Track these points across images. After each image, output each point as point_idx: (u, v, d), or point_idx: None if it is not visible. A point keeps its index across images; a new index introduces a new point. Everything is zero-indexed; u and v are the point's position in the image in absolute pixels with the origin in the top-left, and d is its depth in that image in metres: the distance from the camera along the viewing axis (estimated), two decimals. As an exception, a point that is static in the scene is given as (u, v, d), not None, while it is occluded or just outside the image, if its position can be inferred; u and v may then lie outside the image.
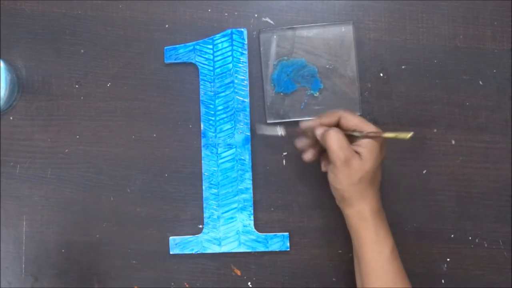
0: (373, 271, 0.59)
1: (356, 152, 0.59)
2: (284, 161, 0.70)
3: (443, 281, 0.69)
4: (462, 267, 0.69)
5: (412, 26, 0.70)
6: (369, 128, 0.60)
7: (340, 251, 0.69)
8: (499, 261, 0.69)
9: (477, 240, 0.69)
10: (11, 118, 0.71)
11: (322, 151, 0.64)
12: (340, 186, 0.59)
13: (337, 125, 0.62)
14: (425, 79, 0.70)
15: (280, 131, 0.66)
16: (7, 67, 0.69)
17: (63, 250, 0.70)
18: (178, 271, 0.70)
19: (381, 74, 0.70)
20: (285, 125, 0.66)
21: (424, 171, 0.69)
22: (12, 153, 0.71)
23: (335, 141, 0.59)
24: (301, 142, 0.65)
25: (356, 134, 0.60)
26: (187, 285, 0.70)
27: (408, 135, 0.59)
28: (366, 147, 0.59)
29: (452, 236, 0.69)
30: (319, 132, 0.61)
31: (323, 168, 0.65)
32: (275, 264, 0.69)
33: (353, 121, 0.61)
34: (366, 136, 0.59)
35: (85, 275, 0.70)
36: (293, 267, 0.69)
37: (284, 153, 0.70)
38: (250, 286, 0.69)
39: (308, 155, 0.64)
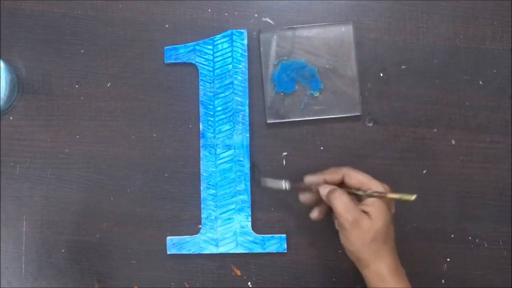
0: None
1: (365, 212, 0.58)
2: (284, 161, 0.70)
3: (443, 281, 0.69)
4: (462, 267, 0.69)
5: (412, 26, 0.70)
6: (374, 185, 0.59)
7: (340, 251, 0.69)
8: (499, 261, 0.69)
9: (477, 240, 0.69)
10: (11, 118, 0.71)
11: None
12: (353, 248, 0.59)
13: (342, 182, 0.62)
14: (425, 79, 0.70)
15: (285, 185, 0.65)
16: (7, 67, 0.69)
17: (63, 250, 0.70)
18: (178, 271, 0.70)
19: (381, 74, 0.70)
20: (290, 180, 0.65)
21: (424, 171, 0.69)
22: (12, 153, 0.71)
23: (340, 203, 0.59)
24: (305, 197, 0.65)
25: (360, 193, 0.60)
26: (187, 285, 0.70)
27: (412, 197, 0.59)
28: (373, 205, 0.58)
29: (452, 236, 0.69)
30: (323, 192, 0.61)
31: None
32: (275, 264, 0.69)
33: (357, 178, 0.60)
34: (371, 196, 0.59)
35: (85, 275, 0.70)
36: (293, 267, 0.69)
37: (284, 153, 0.70)
38: (250, 286, 0.69)
39: (315, 214, 0.65)
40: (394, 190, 0.69)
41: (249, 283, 0.69)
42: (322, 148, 0.70)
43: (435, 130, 0.70)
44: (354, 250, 0.59)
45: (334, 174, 0.62)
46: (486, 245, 0.69)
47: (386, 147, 0.69)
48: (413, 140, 0.70)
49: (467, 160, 0.69)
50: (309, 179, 0.63)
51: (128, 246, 0.70)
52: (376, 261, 0.58)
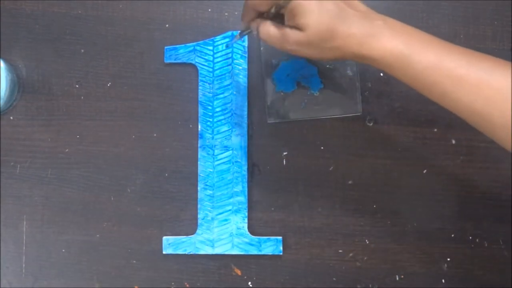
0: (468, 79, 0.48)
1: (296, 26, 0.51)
2: (284, 161, 0.70)
3: (443, 281, 0.69)
4: (462, 267, 0.69)
5: (412, 26, 0.70)
6: None
7: (340, 251, 0.69)
8: (499, 261, 0.69)
9: (477, 240, 0.69)
10: (11, 118, 0.71)
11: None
12: (316, 49, 0.51)
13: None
14: (425, 79, 0.70)
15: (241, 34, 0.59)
16: (7, 67, 0.69)
17: (63, 250, 0.70)
18: (178, 271, 0.70)
19: (381, 74, 0.70)
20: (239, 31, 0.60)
21: (424, 171, 0.69)
22: (12, 153, 0.71)
23: (265, 34, 0.53)
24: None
25: (273, 10, 0.53)
26: (187, 285, 0.70)
27: None
28: (289, 13, 0.51)
29: (452, 236, 0.69)
30: (254, 32, 0.56)
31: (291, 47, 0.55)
32: (275, 264, 0.69)
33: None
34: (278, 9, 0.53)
35: (85, 275, 0.70)
36: (294, 267, 0.69)
37: (284, 153, 0.70)
38: (251, 286, 0.70)
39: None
40: (394, 190, 0.69)
41: (249, 283, 0.70)
42: (322, 148, 0.70)
43: (435, 130, 0.70)
44: (335, 51, 0.51)
45: (250, 4, 0.55)
46: (486, 245, 0.69)
47: (386, 147, 0.69)
48: (413, 140, 0.70)
49: (467, 160, 0.69)
50: (243, 24, 0.57)
51: (128, 246, 0.70)
52: (353, 26, 0.50)
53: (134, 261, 0.70)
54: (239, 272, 0.70)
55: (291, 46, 0.52)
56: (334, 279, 0.69)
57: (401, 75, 0.51)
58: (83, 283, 0.70)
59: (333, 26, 0.50)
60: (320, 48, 0.51)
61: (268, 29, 0.53)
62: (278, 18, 0.54)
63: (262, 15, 0.55)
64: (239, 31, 0.60)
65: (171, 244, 0.69)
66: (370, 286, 0.69)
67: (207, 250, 0.68)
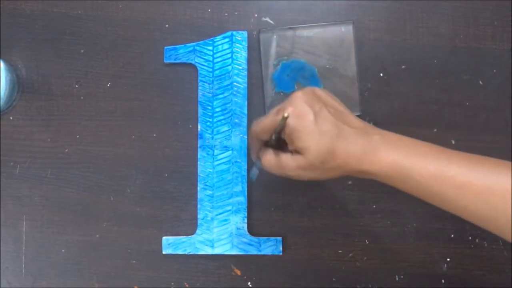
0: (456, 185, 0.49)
1: (296, 150, 0.53)
2: (284, 161, 0.70)
3: (443, 281, 0.69)
4: (462, 267, 0.69)
5: (412, 26, 0.70)
6: (267, 121, 0.54)
7: (340, 251, 0.69)
8: (499, 261, 0.69)
9: (477, 240, 0.69)
10: (11, 118, 0.71)
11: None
12: (333, 172, 0.52)
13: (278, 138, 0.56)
14: (425, 79, 0.70)
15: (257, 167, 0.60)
16: (7, 67, 0.69)
17: (63, 250, 0.70)
18: (178, 271, 0.70)
19: (381, 74, 0.70)
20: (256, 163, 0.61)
21: (424, 171, 0.69)
22: (12, 153, 0.71)
23: (267, 164, 0.55)
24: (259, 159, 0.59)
25: (274, 137, 0.55)
26: (187, 285, 0.70)
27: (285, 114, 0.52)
28: (288, 138, 0.53)
29: (452, 236, 0.69)
30: (254, 158, 0.58)
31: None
32: (275, 264, 0.69)
33: (258, 127, 0.56)
34: (279, 133, 0.54)
35: (85, 275, 0.70)
36: (293, 267, 0.69)
37: (284, 153, 0.70)
38: (250, 286, 0.70)
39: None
40: (394, 190, 0.69)
41: (249, 283, 0.69)
42: (322, 148, 0.70)
43: (435, 130, 0.70)
44: (336, 170, 0.52)
45: (252, 138, 0.57)
46: (486, 245, 0.69)
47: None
48: (413, 140, 0.69)
49: (467, 160, 0.69)
50: (253, 156, 0.59)
51: (128, 246, 0.70)
52: (352, 143, 0.51)
53: (134, 261, 0.70)
54: (238, 272, 0.70)
55: (293, 172, 0.53)
56: (333, 279, 0.69)
57: (403, 187, 0.52)
58: (83, 283, 0.70)
59: (333, 146, 0.51)
60: (322, 169, 0.52)
61: (269, 158, 0.54)
62: (284, 144, 0.55)
63: (266, 144, 0.56)
64: (255, 167, 0.59)
65: (171, 244, 0.69)
66: (370, 286, 0.69)
67: (206, 250, 0.68)
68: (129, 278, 0.70)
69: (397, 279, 0.69)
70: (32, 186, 0.70)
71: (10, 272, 0.70)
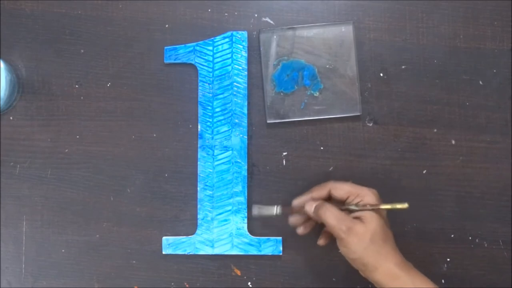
0: None
1: (356, 218, 0.59)
2: (284, 161, 0.70)
3: (443, 281, 0.69)
4: (462, 267, 0.69)
5: (412, 26, 0.70)
6: (362, 191, 0.60)
7: (340, 251, 0.69)
8: (499, 261, 0.69)
9: (477, 240, 0.69)
10: (11, 118, 0.71)
11: (322, 225, 0.63)
12: (355, 255, 0.58)
13: (329, 197, 0.62)
14: (425, 79, 0.70)
15: (276, 211, 0.65)
16: (7, 67, 0.69)
17: (62, 250, 0.70)
18: (178, 271, 0.70)
19: (381, 74, 0.70)
20: (282, 204, 0.65)
21: (424, 171, 0.69)
22: (12, 153, 0.71)
23: (330, 215, 0.59)
24: (294, 219, 0.65)
25: (352, 208, 0.60)
26: (187, 285, 0.70)
27: (405, 205, 0.59)
28: (364, 210, 0.59)
29: (452, 236, 0.69)
30: (310, 209, 0.61)
31: (320, 242, 0.65)
32: (275, 264, 0.69)
33: (343, 189, 0.61)
34: (363, 209, 0.59)
35: (85, 275, 0.70)
36: (293, 267, 0.69)
37: (284, 153, 0.70)
38: (250, 286, 0.69)
39: (301, 230, 0.65)
40: (394, 190, 0.69)
41: (249, 283, 0.69)
42: (322, 148, 0.70)
43: (435, 130, 0.70)
44: (357, 257, 0.58)
45: (320, 190, 0.62)
46: (486, 245, 0.69)
47: (386, 147, 0.69)
48: (413, 140, 0.70)
49: (467, 160, 0.69)
50: (297, 201, 0.64)
51: (128, 246, 0.70)
52: (382, 261, 0.57)
53: (134, 261, 0.70)
54: (238, 272, 0.70)
55: (348, 235, 0.58)
56: (334, 279, 0.69)
57: None
58: (83, 283, 0.70)
59: (387, 231, 0.59)
60: (369, 249, 0.57)
61: (335, 212, 0.59)
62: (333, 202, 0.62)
63: (325, 199, 0.62)
64: (279, 208, 0.65)
65: (171, 245, 0.69)
66: (370, 286, 0.69)
67: (206, 251, 0.68)
68: (129, 278, 0.70)
69: (397, 279, 0.69)
70: (32, 186, 0.70)
71: (10, 272, 0.70)
